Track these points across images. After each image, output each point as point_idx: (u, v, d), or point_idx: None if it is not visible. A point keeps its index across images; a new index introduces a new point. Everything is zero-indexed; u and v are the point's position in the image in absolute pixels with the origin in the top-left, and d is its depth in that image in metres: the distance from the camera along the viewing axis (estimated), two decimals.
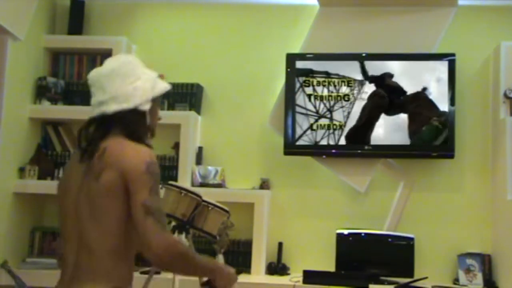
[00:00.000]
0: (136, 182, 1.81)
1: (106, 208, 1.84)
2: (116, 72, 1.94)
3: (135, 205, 1.79)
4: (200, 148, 4.26)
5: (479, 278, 3.82)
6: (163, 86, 2.02)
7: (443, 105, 3.94)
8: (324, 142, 4.04)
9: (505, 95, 3.87)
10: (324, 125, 4.05)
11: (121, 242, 1.85)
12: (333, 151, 4.04)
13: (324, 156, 4.09)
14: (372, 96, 4.00)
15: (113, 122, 1.93)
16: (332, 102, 4.06)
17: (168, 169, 4.08)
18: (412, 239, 3.94)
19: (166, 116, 4.04)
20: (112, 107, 1.92)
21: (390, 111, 4.00)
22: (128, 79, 1.94)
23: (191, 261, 1.87)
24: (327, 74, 4.08)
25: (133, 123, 1.94)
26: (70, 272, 1.88)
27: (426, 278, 3.75)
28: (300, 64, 4.10)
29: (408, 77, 4.00)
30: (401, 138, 3.97)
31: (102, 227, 1.85)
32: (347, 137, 4.00)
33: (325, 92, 4.07)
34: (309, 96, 4.08)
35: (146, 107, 1.96)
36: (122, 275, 1.88)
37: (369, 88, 4.02)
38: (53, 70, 4.35)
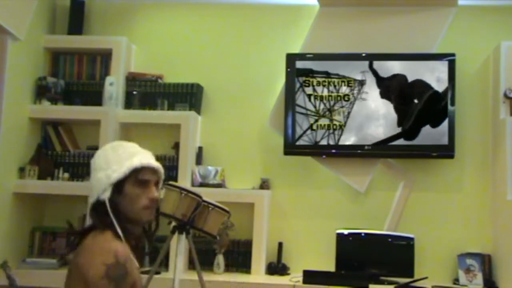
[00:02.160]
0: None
1: None
2: (91, 167, 1.97)
3: None
4: (200, 148, 4.26)
5: (479, 278, 3.82)
6: (124, 169, 1.89)
7: (443, 105, 3.94)
8: (324, 142, 4.04)
9: (505, 95, 3.87)
10: (324, 125, 4.06)
11: None
12: (333, 151, 4.04)
13: (324, 156, 4.09)
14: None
15: (91, 217, 1.93)
16: (332, 102, 4.07)
17: (168, 169, 4.08)
18: (412, 239, 3.94)
19: (166, 116, 4.12)
20: (88, 203, 1.95)
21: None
22: (94, 172, 1.93)
23: None
24: (327, 74, 4.08)
25: (98, 216, 1.89)
26: None
27: (426, 278, 3.75)
28: (300, 64, 4.10)
29: (408, 77, 3.99)
30: (402, 138, 3.97)
31: None
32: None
33: (325, 92, 4.07)
34: (309, 96, 4.08)
35: (104, 196, 1.87)
36: None
37: (369, 88, 4.02)
38: (53, 70, 4.35)
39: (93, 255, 1.79)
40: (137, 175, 1.90)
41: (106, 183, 1.88)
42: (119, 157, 1.92)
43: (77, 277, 1.79)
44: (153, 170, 1.95)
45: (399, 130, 3.97)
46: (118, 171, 1.88)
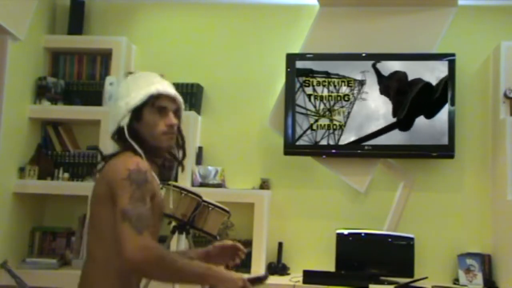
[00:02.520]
0: (117, 189, 1.82)
1: (98, 216, 1.89)
2: (112, 97, 2.07)
3: (115, 212, 1.79)
4: (200, 148, 4.26)
5: (479, 278, 3.82)
6: (142, 96, 1.96)
7: (443, 105, 3.94)
8: (324, 142, 4.04)
9: (505, 95, 3.87)
10: (324, 125, 4.05)
11: (114, 251, 1.82)
12: (333, 151, 4.04)
13: (324, 156, 4.09)
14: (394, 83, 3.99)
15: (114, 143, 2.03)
16: (332, 102, 4.07)
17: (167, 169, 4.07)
18: (412, 239, 3.94)
19: None
20: (109, 131, 2.03)
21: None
22: (115, 101, 2.01)
23: (173, 267, 1.79)
24: (327, 74, 4.08)
25: (121, 140, 1.97)
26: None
27: (426, 278, 3.75)
28: (300, 64, 4.10)
29: (408, 77, 3.99)
30: (401, 138, 3.97)
31: (97, 234, 1.90)
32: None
33: (325, 92, 4.07)
34: (309, 96, 4.08)
35: (123, 122, 1.95)
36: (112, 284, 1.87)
37: (369, 88, 4.02)
38: (53, 70, 4.35)
39: (118, 163, 1.88)
40: (155, 102, 1.97)
41: (125, 110, 1.95)
42: (138, 85, 1.99)
43: (103, 186, 1.87)
44: (171, 99, 2.02)
45: (393, 120, 3.97)
46: (136, 98, 1.96)
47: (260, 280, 1.99)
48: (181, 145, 2.10)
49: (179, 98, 2.05)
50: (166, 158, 2.07)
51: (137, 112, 1.95)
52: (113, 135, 2.00)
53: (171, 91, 2.02)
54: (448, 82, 3.95)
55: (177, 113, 2.03)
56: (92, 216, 1.92)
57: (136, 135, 1.95)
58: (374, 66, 4.02)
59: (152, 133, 1.96)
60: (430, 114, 3.95)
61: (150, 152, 1.98)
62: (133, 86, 1.99)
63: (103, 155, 2.02)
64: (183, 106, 2.08)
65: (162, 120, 1.97)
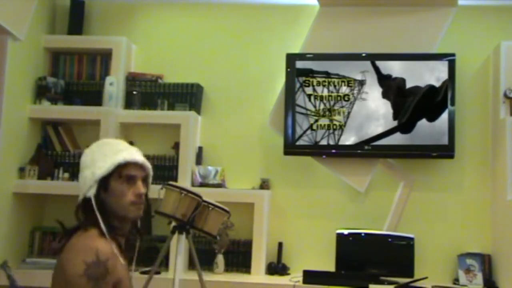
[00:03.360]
0: (71, 285, 1.74)
1: None
2: (80, 167, 1.98)
3: None
4: (200, 148, 4.26)
5: (479, 278, 3.82)
6: (108, 165, 1.90)
7: (443, 105, 3.94)
8: (324, 142, 4.04)
9: (505, 95, 3.87)
10: (324, 125, 4.05)
11: None
12: (333, 151, 4.04)
13: (324, 156, 4.09)
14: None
15: (77, 215, 1.94)
16: (332, 102, 4.06)
17: (168, 169, 4.08)
18: (412, 239, 3.94)
19: (166, 116, 4.12)
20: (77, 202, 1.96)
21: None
22: (81, 172, 1.95)
23: None
24: (327, 74, 4.08)
25: (85, 213, 1.90)
26: None
27: (426, 278, 3.75)
28: (300, 64, 4.10)
29: (408, 77, 4.00)
30: (401, 138, 3.97)
31: None
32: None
33: (325, 92, 4.07)
34: (309, 96, 4.08)
35: (90, 193, 1.89)
36: None
37: (369, 88, 4.02)
38: (53, 70, 4.35)
39: (75, 252, 1.79)
40: (121, 171, 1.91)
41: (91, 180, 1.89)
42: (104, 154, 1.93)
43: (59, 275, 1.80)
44: (139, 166, 1.95)
45: (395, 124, 3.97)
46: (102, 168, 1.90)
47: None
48: (147, 213, 2.03)
49: (148, 165, 1.98)
50: (129, 232, 1.98)
51: (103, 182, 1.89)
52: (78, 206, 1.93)
53: (139, 158, 1.95)
54: (448, 82, 3.95)
55: (145, 181, 1.97)
56: None
57: (102, 206, 1.88)
58: (373, 63, 4.01)
59: (120, 204, 1.90)
60: (431, 117, 3.94)
61: (116, 224, 1.90)
62: (98, 155, 1.93)
63: (65, 230, 1.93)
64: (151, 173, 2.01)
65: (130, 190, 1.91)
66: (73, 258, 1.78)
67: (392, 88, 4.00)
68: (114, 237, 1.88)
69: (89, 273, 1.74)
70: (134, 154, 1.95)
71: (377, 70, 4.02)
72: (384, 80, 4.02)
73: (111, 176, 1.90)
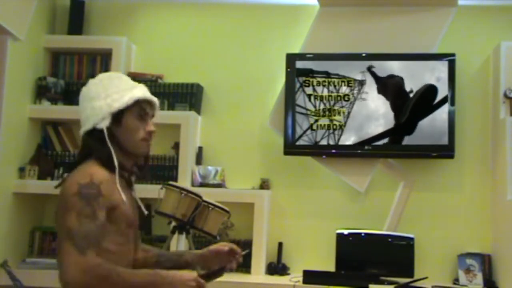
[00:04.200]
0: (66, 205, 1.76)
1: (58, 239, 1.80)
2: (84, 95, 1.96)
3: (61, 230, 1.74)
4: (200, 148, 4.26)
5: (479, 278, 3.82)
6: (127, 99, 1.89)
7: (443, 105, 3.94)
8: (324, 142, 4.04)
9: (505, 95, 3.87)
10: (324, 125, 4.05)
11: None
12: (333, 151, 4.04)
13: (324, 156, 4.09)
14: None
15: (84, 146, 1.94)
16: (332, 102, 4.06)
17: (168, 169, 4.08)
18: (412, 239, 3.94)
19: (166, 116, 4.12)
20: (81, 131, 1.94)
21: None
22: (89, 101, 1.92)
23: (120, 283, 1.72)
24: (327, 74, 4.08)
25: (91, 144, 1.89)
26: None
27: (426, 278, 3.75)
28: (300, 64, 4.10)
29: (408, 77, 4.00)
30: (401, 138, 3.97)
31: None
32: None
33: (325, 92, 4.07)
34: (309, 96, 4.08)
35: (103, 124, 1.87)
36: None
37: (369, 88, 4.02)
38: (53, 70, 4.35)
39: (71, 177, 1.83)
40: (139, 107, 1.92)
41: (106, 111, 1.88)
42: (118, 87, 1.92)
43: (59, 203, 1.81)
44: (150, 104, 1.97)
45: (394, 121, 3.97)
46: (119, 101, 1.89)
47: (215, 274, 1.96)
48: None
49: (157, 104, 2.01)
50: (130, 169, 1.98)
51: (117, 116, 1.88)
52: (86, 135, 1.91)
53: (153, 97, 1.98)
54: (448, 82, 3.95)
55: (152, 119, 1.99)
56: (58, 237, 1.82)
57: (112, 138, 1.88)
58: (370, 70, 4.01)
59: (131, 139, 1.91)
60: (431, 114, 3.95)
61: (121, 157, 1.90)
62: (111, 87, 1.92)
63: (69, 165, 1.95)
64: (158, 111, 2.03)
65: (142, 126, 1.93)
66: (69, 181, 1.82)
67: (392, 89, 4.00)
68: (119, 171, 1.88)
69: (81, 192, 1.76)
70: (148, 92, 1.97)
71: (374, 75, 4.01)
72: (382, 84, 4.01)
73: (126, 111, 1.89)
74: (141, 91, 1.94)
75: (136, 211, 1.99)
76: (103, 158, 1.86)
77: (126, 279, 1.74)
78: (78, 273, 1.67)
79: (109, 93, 1.90)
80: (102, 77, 1.99)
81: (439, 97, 3.95)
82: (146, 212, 2.02)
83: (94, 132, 1.88)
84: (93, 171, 1.82)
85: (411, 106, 3.96)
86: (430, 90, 3.96)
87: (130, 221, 1.91)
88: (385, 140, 3.98)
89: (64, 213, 1.75)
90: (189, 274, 1.82)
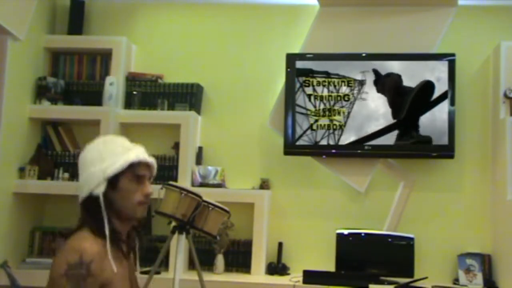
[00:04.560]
0: (52, 286, 1.73)
1: None
2: (81, 162, 1.92)
3: None
4: (200, 148, 4.26)
5: (479, 278, 3.82)
6: (121, 162, 1.86)
7: (443, 105, 3.94)
8: (324, 142, 4.04)
9: (505, 95, 3.87)
10: (324, 125, 4.06)
11: None
12: (333, 151, 4.04)
13: (324, 156, 4.09)
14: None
15: (81, 213, 1.89)
16: (332, 102, 4.07)
17: (168, 169, 4.08)
18: (412, 239, 3.94)
19: (166, 116, 4.12)
20: (79, 199, 1.91)
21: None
22: (86, 167, 1.89)
23: None
24: (327, 74, 4.08)
25: (88, 212, 1.85)
26: None
27: (426, 278, 3.75)
28: (300, 64, 4.10)
29: (408, 77, 4.00)
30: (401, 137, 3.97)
31: None
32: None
33: (325, 92, 4.07)
34: (309, 96, 4.08)
35: (98, 191, 1.84)
36: None
37: (369, 88, 4.02)
38: (53, 70, 4.35)
39: (61, 253, 1.77)
40: (134, 170, 1.88)
41: (100, 177, 1.84)
42: (113, 151, 1.89)
43: (48, 277, 1.78)
44: (147, 166, 1.93)
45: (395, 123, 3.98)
46: (114, 165, 1.85)
47: None
48: (147, 215, 2.03)
49: (155, 165, 1.97)
50: (128, 234, 1.95)
51: (112, 181, 1.85)
52: (82, 203, 1.88)
53: (149, 158, 1.94)
54: (448, 82, 3.95)
55: (149, 180, 1.95)
56: None
57: (108, 204, 1.85)
58: (375, 71, 4.01)
59: (128, 203, 1.88)
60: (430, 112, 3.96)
61: (116, 223, 1.87)
62: (106, 152, 1.89)
63: (63, 233, 1.90)
64: (155, 173, 1.98)
65: (139, 189, 1.89)
66: (58, 258, 1.77)
67: (391, 87, 4.01)
68: (113, 239, 1.84)
69: (69, 273, 1.71)
70: (144, 154, 1.94)
71: (377, 73, 4.02)
72: (383, 84, 4.02)
73: (121, 175, 1.87)
74: (135, 154, 1.90)
75: (131, 281, 1.95)
76: (95, 228, 1.83)
77: None
78: None
79: (103, 158, 1.87)
80: (97, 141, 1.95)
81: (439, 97, 3.95)
82: (138, 271, 1.96)
83: (91, 199, 1.85)
84: (84, 246, 1.76)
85: (409, 103, 3.96)
86: (428, 87, 3.96)
87: None
88: (386, 140, 3.98)
89: None
90: None
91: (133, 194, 1.88)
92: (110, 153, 1.88)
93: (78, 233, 1.83)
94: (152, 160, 1.95)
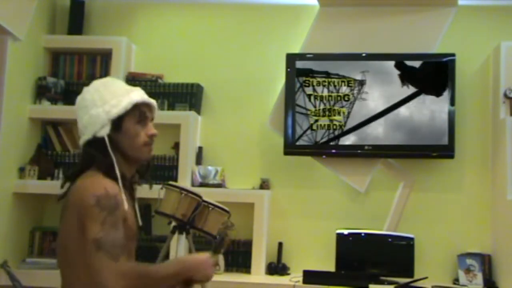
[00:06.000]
0: (86, 218, 1.72)
1: (70, 247, 1.78)
2: (80, 104, 1.91)
3: (87, 243, 1.71)
4: (200, 148, 4.26)
5: (479, 278, 3.82)
6: (125, 103, 1.85)
7: (443, 105, 3.94)
8: (324, 142, 4.04)
9: (505, 95, 3.87)
10: (324, 125, 4.05)
11: (89, 280, 1.73)
12: (333, 151, 4.04)
13: (324, 156, 4.09)
14: None
15: (84, 156, 1.88)
16: (332, 102, 4.06)
17: (168, 169, 4.08)
18: (412, 239, 3.94)
19: (166, 116, 4.12)
20: (80, 141, 1.89)
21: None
22: (86, 109, 1.87)
23: (155, 278, 1.75)
24: (327, 74, 4.08)
25: (94, 153, 1.84)
26: None
27: (426, 278, 3.75)
28: (300, 64, 4.10)
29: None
30: (401, 138, 3.97)
31: (69, 265, 1.79)
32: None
33: (325, 92, 4.07)
34: (309, 96, 4.08)
35: (103, 132, 1.83)
36: None
37: (369, 88, 4.02)
38: (53, 70, 4.35)
39: (84, 189, 1.77)
40: (138, 111, 1.88)
41: (105, 119, 1.83)
42: (115, 93, 1.87)
43: (71, 214, 1.78)
44: (149, 107, 1.94)
45: (399, 129, 3.97)
46: (118, 106, 1.84)
47: (219, 245, 1.95)
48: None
49: (156, 106, 1.97)
50: (132, 177, 1.94)
51: (116, 122, 1.84)
52: (86, 145, 1.86)
53: (151, 99, 1.94)
54: (448, 82, 3.95)
55: (151, 121, 1.95)
56: (63, 247, 1.81)
57: (113, 145, 1.84)
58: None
59: (133, 144, 1.87)
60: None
61: (123, 165, 1.86)
62: (107, 93, 1.87)
63: (66, 175, 1.90)
64: (157, 113, 1.99)
65: (143, 130, 1.89)
66: (82, 194, 1.76)
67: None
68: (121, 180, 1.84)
69: (100, 204, 1.73)
70: (146, 95, 1.93)
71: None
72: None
73: (125, 116, 1.85)
74: (139, 95, 1.90)
75: (137, 223, 1.96)
76: (105, 168, 1.82)
77: (161, 274, 1.77)
78: (117, 279, 1.68)
79: (106, 100, 1.85)
80: (96, 84, 1.94)
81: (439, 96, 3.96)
82: (140, 223, 1.99)
83: (95, 141, 1.84)
84: (105, 182, 1.78)
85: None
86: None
87: (134, 234, 1.89)
88: (385, 140, 3.98)
89: (85, 225, 1.73)
90: (203, 256, 1.87)
91: (138, 135, 1.88)
92: (112, 94, 1.86)
93: (89, 173, 1.82)
94: (154, 102, 1.96)
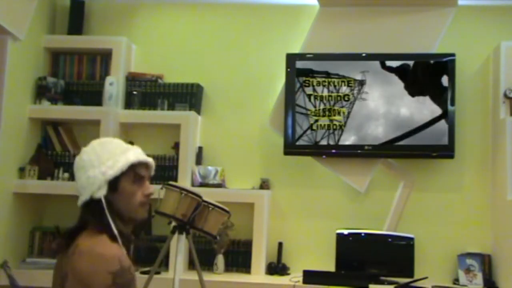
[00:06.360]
0: None
1: None
2: (78, 165, 1.89)
3: None
4: (200, 148, 4.26)
5: (479, 278, 3.82)
6: (121, 164, 1.84)
7: (443, 105, 3.94)
8: (324, 142, 4.04)
9: (505, 95, 3.87)
10: (324, 125, 4.06)
11: None
12: (333, 151, 4.04)
13: (324, 156, 4.09)
14: None
15: (83, 216, 1.86)
16: (332, 102, 4.07)
17: (168, 169, 4.08)
18: (412, 239, 3.94)
19: (166, 116, 4.12)
20: (78, 202, 1.88)
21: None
22: (84, 170, 1.85)
23: None
24: (327, 74, 4.08)
25: (92, 214, 1.82)
26: None
27: (426, 278, 3.75)
28: (300, 64, 4.10)
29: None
30: (401, 138, 3.97)
31: None
32: None
33: (325, 92, 4.07)
34: (309, 96, 4.08)
35: (100, 194, 1.81)
36: None
37: (369, 88, 4.02)
38: (53, 70, 4.35)
39: (95, 262, 1.72)
40: (134, 171, 1.86)
41: (101, 180, 1.81)
42: (111, 153, 1.86)
43: (78, 284, 1.74)
44: (146, 166, 1.92)
45: (399, 129, 3.97)
46: (114, 167, 1.83)
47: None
48: (148, 215, 1.99)
49: (153, 165, 1.95)
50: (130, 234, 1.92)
51: (113, 183, 1.83)
52: (84, 207, 1.85)
53: (148, 158, 1.92)
54: (448, 82, 3.95)
55: (148, 180, 1.93)
56: None
57: (110, 206, 1.82)
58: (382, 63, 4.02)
59: (129, 205, 1.86)
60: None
61: (120, 225, 1.83)
62: (104, 154, 1.85)
63: (65, 231, 1.86)
64: (153, 173, 1.96)
65: (139, 190, 1.87)
66: (96, 268, 1.71)
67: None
68: (123, 241, 1.83)
69: (117, 282, 1.70)
70: (142, 154, 1.92)
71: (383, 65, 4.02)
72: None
73: (121, 176, 1.84)
74: (135, 154, 1.88)
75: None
76: (103, 231, 1.80)
77: None
78: None
79: (102, 160, 1.84)
80: (93, 143, 1.92)
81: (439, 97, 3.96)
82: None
83: (92, 203, 1.83)
84: (115, 252, 1.75)
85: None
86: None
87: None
88: (385, 140, 3.98)
89: None
90: None
91: (134, 195, 1.86)
92: (108, 155, 1.85)
93: (93, 237, 1.79)
94: (151, 160, 1.94)
